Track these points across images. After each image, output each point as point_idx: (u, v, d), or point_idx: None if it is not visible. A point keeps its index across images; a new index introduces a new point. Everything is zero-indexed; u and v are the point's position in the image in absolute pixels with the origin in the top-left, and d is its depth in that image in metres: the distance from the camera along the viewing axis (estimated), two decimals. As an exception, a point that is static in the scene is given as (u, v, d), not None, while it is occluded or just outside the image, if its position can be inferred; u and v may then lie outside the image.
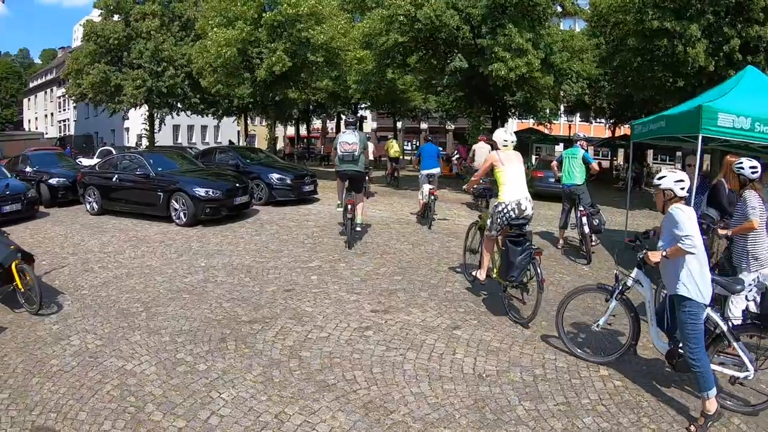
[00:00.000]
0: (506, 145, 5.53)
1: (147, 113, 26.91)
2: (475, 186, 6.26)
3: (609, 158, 31.28)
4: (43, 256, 7.18)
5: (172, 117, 27.93)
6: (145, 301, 5.50)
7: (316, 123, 40.42)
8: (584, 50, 20.85)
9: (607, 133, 32.53)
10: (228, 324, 4.88)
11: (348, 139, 7.93)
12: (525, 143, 33.41)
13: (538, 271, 4.86)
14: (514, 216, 5.15)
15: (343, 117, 31.39)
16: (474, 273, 5.76)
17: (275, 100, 19.51)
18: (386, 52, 16.91)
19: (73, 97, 27.28)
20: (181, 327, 4.82)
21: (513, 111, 26.17)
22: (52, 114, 57.07)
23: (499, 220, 5.24)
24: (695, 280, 3.44)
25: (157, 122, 26.79)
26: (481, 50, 15.45)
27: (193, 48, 20.58)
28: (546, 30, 16.40)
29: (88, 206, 10.51)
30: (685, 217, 3.43)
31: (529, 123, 32.26)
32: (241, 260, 7.12)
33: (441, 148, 13.18)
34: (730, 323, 3.63)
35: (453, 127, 42.30)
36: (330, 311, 5.23)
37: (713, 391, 3.40)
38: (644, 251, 3.82)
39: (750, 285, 4.18)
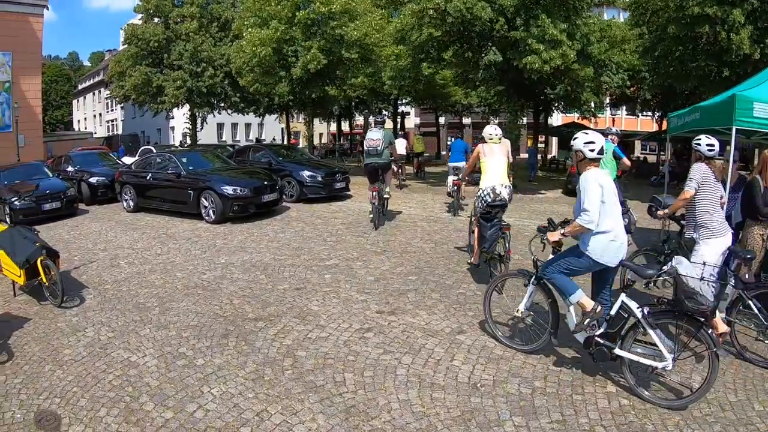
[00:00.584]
0: (491, 138, 6.34)
1: (189, 112, 27.88)
2: (468, 175, 7.15)
3: (656, 152, 29.84)
4: (75, 252, 7.62)
5: (213, 116, 28.83)
6: (161, 296, 5.72)
7: (359, 119, 40.77)
8: (626, 40, 20.04)
9: (654, 127, 30.98)
10: (234, 321, 4.99)
11: (373, 136, 8.89)
12: (567, 138, 32.51)
13: (506, 244, 5.91)
14: (490, 200, 5.93)
15: (384, 113, 31.53)
16: (469, 260, 6.59)
17: (313, 97, 19.74)
18: (420, 47, 16.74)
19: (117, 99, 28.59)
20: (189, 322, 4.97)
21: (555, 104, 25.47)
22: (100, 114, 59.84)
23: (478, 203, 6.06)
24: (601, 246, 3.63)
25: (199, 121, 27.71)
26: (515, 43, 15.01)
27: (231, 48, 21.14)
28: (583, 20, 15.76)
29: (124, 204, 11.07)
30: (590, 187, 3.50)
31: (574, 117, 31.24)
32: (260, 257, 7.27)
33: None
34: (644, 310, 3.52)
35: (497, 121, 41.49)
36: (336, 311, 5.24)
37: (577, 293, 3.75)
38: (545, 235, 3.89)
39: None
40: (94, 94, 61.32)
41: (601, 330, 3.71)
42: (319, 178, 12.05)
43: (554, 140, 37.32)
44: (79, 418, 3.44)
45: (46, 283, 5.33)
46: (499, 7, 14.59)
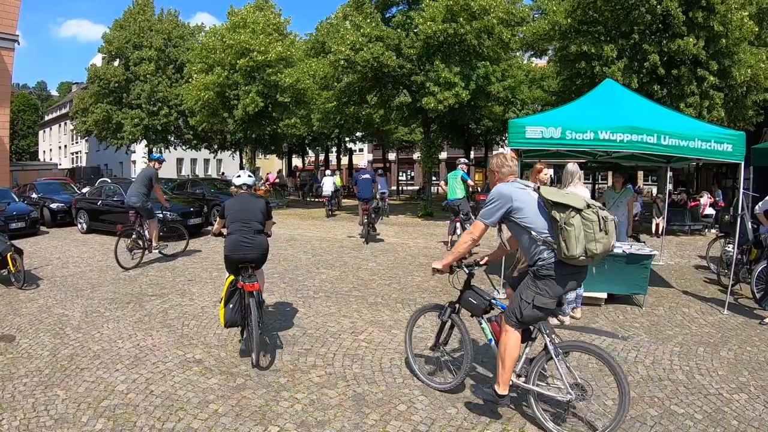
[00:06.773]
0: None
1: (147, 148, 30.38)
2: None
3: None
4: (36, 259, 10.23)
5: (169, 151, 31.52)
6: (94, 284, 8.39)
7: (312, 156, 44.00)
8: (546, 77, 22.89)
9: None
10: (138, 296, 7.69)
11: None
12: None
13: None
14: None
15: (333, 150, 34.41)
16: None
17: (254, 136, 22.31)
18: (342, 92, 19.40)
19: (79, 133, 30.98)
20: (108, 296, 7.65)
21: (496, 140, 28.53)
22: (65, 146, 61.80)
23: None
24: None
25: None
26: (422, 85, 17.43)
27: (183, 89, 23.68)
28: (482, 63, 17.70)
29: (79, 226, 13.66)
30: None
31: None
32: (174, 263, 9.99)
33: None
34: None
35: (445, 156, 45.41)
36: (206, 291, 7.96)
37: None
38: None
39: None
40: (60, 126, 63.20)
41: None
42: (242, 206, 14.84)
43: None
44: (27, 337, 6.06)
45: (13, 271, 7.96)
46: (407, 54, 17.23)
